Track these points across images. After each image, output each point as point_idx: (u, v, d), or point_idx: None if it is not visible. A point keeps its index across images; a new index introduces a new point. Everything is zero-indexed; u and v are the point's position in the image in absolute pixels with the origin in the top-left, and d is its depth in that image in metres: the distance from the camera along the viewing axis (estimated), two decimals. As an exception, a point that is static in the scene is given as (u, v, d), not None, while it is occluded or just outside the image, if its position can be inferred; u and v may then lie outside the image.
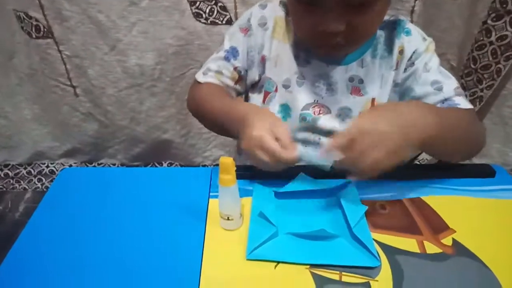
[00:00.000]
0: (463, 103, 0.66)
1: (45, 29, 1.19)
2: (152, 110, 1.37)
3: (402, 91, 0.71)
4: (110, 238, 0.54)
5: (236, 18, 1.19)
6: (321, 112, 0.71)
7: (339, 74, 0.69)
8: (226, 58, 0.73)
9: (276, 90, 0.72)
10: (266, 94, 0.73)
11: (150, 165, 1.57)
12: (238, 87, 0.76)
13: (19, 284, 0.48)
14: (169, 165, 1.57)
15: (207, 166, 1.54)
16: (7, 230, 1.36)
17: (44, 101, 1.40)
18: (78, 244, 0.53)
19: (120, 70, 1.27)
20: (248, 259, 0.50)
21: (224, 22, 1.20)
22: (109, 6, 1.13)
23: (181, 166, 1.56)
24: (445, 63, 1.18)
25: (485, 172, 0.66)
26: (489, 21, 0.97)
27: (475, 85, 1.07)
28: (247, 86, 0.77)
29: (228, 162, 0.49)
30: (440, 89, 0.67)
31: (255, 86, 0.76)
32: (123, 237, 0.54)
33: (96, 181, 0.65)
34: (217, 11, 1.18)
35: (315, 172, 0.62)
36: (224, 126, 0.66)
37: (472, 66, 1.06)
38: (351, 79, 0.70)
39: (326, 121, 0.71)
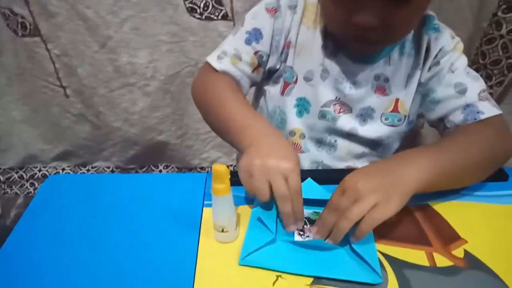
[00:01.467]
0: (488, 109, 0.61)
1: (32, 27, 1.15)
2: (146, 110, 1.33)
3: (424, 92, 0.68)
4: (98, 248, 0.51)
5: (232, 13, 1.14)
6: (341, 110, 0.68)
7: (365, 71, 0.66)
8: (247, 41, 0.65)
9: (295, 82, 0.68)
10: (286, 85, 0.69)
11: (145, 168, 1.53)
12: (255, 75, 0.69)
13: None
14: (165, 167, 1.53)
15: (205, 168, 1.50)
16: (-3, 236, 1.33)
17: (34, 102, 1.36)
18: (66, 254, 0.51)
19: (111, 69, 1.23)
20: (240, 265, 0.48)
21: (219, 17, 1.15)
22: (98, 1, 1.09)
23: (178, 168, 1.53)
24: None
25: (497, 176, 0.62)
26: (499, 13, 0.92)
27: (484, 82, 1.03)
28: (263, 74, 0.71)
29: (221, 170, 0.45)
30: (463, 92, 0.62)
31: (272, 76, 0.71)
32: (112, 247, 0.51)
33: (84, 188, 0.62)
34: (212, 6, 1.13)
35: (323, 176, 0.58)
36: (231, 139, 0.59)
37: (481, 61, 1.02)
38: (376, 78, 0.66)
39: (346, 121, 0.68)
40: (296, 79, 0.68)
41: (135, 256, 0.49)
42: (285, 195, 0.48)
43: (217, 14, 1.14)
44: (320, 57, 0.66)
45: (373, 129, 0.69)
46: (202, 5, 1.13)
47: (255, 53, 0.66)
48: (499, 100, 1.08)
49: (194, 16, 1.15)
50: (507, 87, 1.03)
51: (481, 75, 1.02)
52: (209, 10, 1.14)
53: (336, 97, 0.67)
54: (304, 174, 0.58)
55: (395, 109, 0.68)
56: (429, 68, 0.65)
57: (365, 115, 0.68)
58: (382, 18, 0.52)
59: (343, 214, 0.47)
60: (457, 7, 1.05)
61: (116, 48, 1.18)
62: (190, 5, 1.13)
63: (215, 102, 0.63)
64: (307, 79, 0.67)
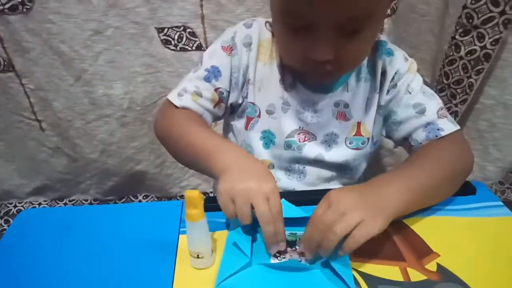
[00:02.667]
0: (447, 126, 0.65)
1: (5, 62, 1.14)
2: (123, 141, 1.32)
3: (385, 114, 0.71)
4: (72, 282, 0.51)
5: (206, 44, 1.17)
6: (306, 139, 0.70)
7: (325, 99, 0.67)
8: (207, 78, 0.67)
9: (259, 116, 0.69)
10: (249, 120, 0.70)
11: (124, 199, 1.52)
12: (216, 110, 0.70)
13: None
14: (144, 197, 1.52)
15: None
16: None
17: (9, 137, 1.34)
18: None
19: (87, 102, 1.23)
20: None
21: (194, 48, 1.18)
22: (72, 36, 1.10)
23: (158, 198, 1.51)
24: (419, 80, 1.18)
25: (466, 190, 0.64)
26: (457, 36, 0.97)
27: (449, 101, 1.08)
28: (226, 109, 0.72)
29: (194, 195, 0.46)
30: (422, 112, 0.65)
31: (236, 110, 0.73)
32: (87, 278, 0.51)
33: (58, 221, 0.62)
34: (186, 37, 1.16)
35: (296, 198, 0.59)
36: (202, 166, 0.60)
37: (445, 81, 1.06)
38: (336, 104, 0.68)
39: (312, 148, 0.70)
40: (259, 113, 0.69)
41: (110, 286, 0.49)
42: (268, 216, 0.49)
43: (191, 45, 1.17)
44: (279, 90, 0.68)
45: (339, 154, 0.71)
46: (176, 37, 1.15)
47: (216, 89, 0.68)
48: (464, 118, 1.13)
49: (168, 48, 1.17)
50: (471, 105, 1.08)
51: (446, 95, 1.08)
52: (183, 42, 1.16)
53: (300, 127, 0.69)
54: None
55: (358, 133, 0.70)
56: (387, 91, 0.68)
57: (330, 141, 0.70)
58: (335, 51, 0.54)
59: (330, 228, 0.47)
60: (420, 31, 1.11)
61: (91, 80, 1.19)
62: (165, 37, 1.15)
63: (181, 133, 0.63)
64: (270, 112, 0.69)
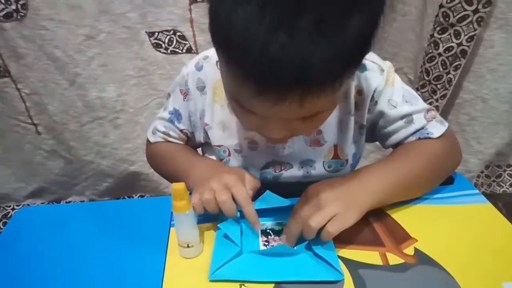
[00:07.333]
0: (437, 129, 0.63)
1: (1, 68, 1.17)
2: (117, 142, 1.35)
3: (372, 129, 0.68)
4: (70, 274, 0.52)
5: (196, 47, 1.20)
6: (282, 168, 0.68)
7: None
8: (171, 121, 0.69)
9: (229, 155, 0.68)
10: (220, 160, 0.70)
11: (120, 199, 1.53)
12: (190, 144, 0.73)
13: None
14: (140, 197, 1.54)
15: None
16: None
17: (6, 141, 1.36)
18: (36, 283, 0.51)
19: (81, 105, 1.26)
20: (210, 280, 0.49)
21: (184, 51, 1.21)
22: (65, 41, 1.13)
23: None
24: (403, 77, 1.22)
25: (444, 180, 0.66)
26: (435, 34, 1.01)
27: (430, 96, 1.11)
28: (199, 143, 0.73)
29: (180, 188, 0.48)
30: (410, 121, 0.63)
31: (208, 145, 0.71)
32: (81, 272, 0.53)
33: (54, 219, 0.63)
34: (177, 41, 1.19)
35: (281, 190, 0.60)
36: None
37: (426, 77, 1.10)
38: None
39: (290, 175, 0.69)
40: (229, 152, 0.68)
41: (102, 281, 0.51)
42: (229, 207, 0.52)
43: (181, 48, 1.20)
44: (242, 131, 0.65)
45: (319, 178, 0.66)
46: (166, 41, 1.18)
47: (181, 131, 0.70)
48: (446, 112, 1.16)
49: (159, 51, 1.20)
50: (452, 100, 1.12)
51: (427, 91, 1.12)
52: (173, 45, 1.19)
53: (273, 159, 0.67)
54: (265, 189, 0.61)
55: (336, 156, 0.68)
56: (369, 110, 0.64)
57: (307, 167, 0.68)
58: (290, 130, 0.50)
59: (306, 222, 0.50)
60: (401, 30, 1.14)
61: (84, 84, 1.22)
62: (155, 41, 1.18)
63: (165, 162, 0.70)
64: (238, 151, 0.67)
